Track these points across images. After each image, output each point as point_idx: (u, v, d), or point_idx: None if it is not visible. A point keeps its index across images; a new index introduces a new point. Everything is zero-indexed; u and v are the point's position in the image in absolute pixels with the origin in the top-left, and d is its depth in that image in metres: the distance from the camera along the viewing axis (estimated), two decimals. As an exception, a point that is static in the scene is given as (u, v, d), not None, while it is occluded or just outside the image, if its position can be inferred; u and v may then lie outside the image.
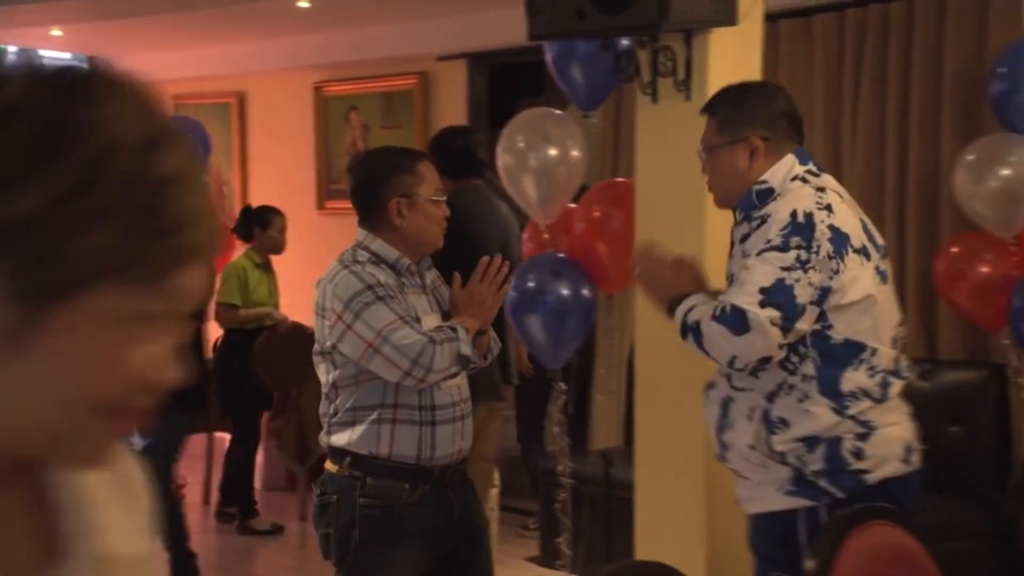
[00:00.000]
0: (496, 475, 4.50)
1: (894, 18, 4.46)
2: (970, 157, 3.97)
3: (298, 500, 5.82)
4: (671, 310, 2.57)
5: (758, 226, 2.49)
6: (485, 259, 2.80)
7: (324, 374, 2.75)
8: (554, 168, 3.77)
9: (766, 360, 2.45)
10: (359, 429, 2.67)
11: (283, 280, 6.73)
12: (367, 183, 2.81)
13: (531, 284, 3.67)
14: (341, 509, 2.69)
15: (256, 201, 7.06)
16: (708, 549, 3.14)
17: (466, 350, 2.65)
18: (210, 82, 7.18)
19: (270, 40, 6.60)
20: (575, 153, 3.80)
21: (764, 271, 2.39)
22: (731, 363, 2.46)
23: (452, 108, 6.14)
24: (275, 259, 6.11)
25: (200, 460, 6.19)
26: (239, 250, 5.80)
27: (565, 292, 3.63)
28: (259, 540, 5.62)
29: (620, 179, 3.85)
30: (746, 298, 2.38)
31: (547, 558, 4.83)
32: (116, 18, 5.98)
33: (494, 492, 4.49)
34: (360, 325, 2.60)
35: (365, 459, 2.66)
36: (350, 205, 7.29)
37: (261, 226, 5.70)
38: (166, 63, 7.21)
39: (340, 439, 2.70)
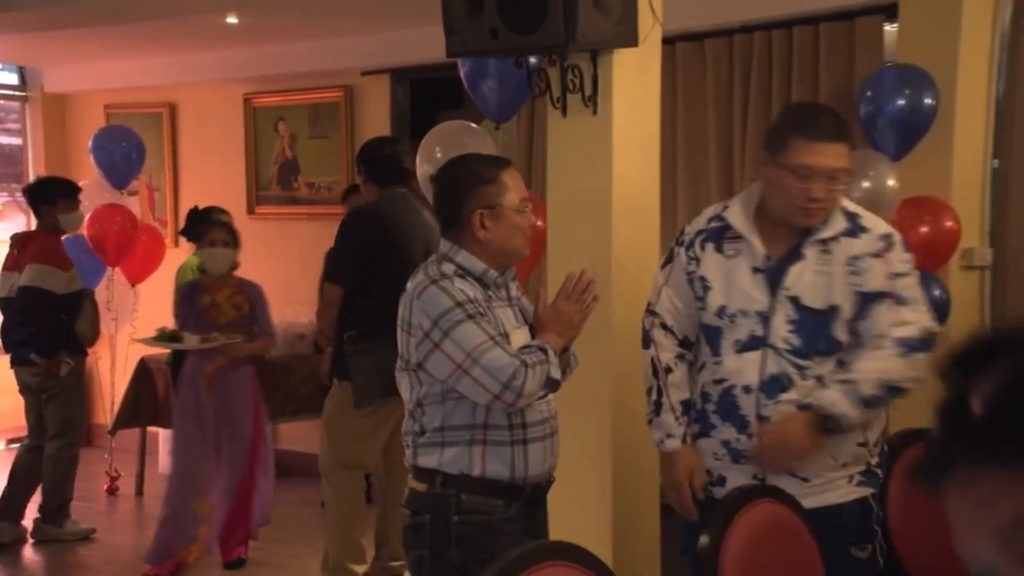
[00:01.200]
0: None
1: (776, 45, 4.58)
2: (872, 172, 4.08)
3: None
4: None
5: (866, 242, 2.45)
6: (572, 274, 2.51)
7: (407, 391, 2.48)
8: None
9: None
10: (449, 451, 2.41)
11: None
12: (449, 194, 2.53)
13: None
14: (435, 528, 2.42)
15: (187, 206, 6.96)
16: (615, 530, 3.18)
17: (556, 373, 2.41)
18: (142, 92, 7.05)
19: (201, 53, 6.50)
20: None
21: (917, 286, 2.50)
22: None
23: (376, 120, 6.13)
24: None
25: (134, 453, 6.08)
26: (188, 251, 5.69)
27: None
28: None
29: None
30: (928, 317, 2.47)
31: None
32: (50, 30, 5.84)
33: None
34: (449, 344, 2.34)
35: (457, 478, 2.41)
36: (279, 210, 7.19)
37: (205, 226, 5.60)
38: (100, 74, 7.08)
39: (429, 460, 2.43)
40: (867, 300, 2.42)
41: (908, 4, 4.09)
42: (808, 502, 2.38)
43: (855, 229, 2.47)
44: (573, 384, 2.70)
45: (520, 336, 2.47)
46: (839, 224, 2.46)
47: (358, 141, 6.23)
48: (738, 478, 2.45)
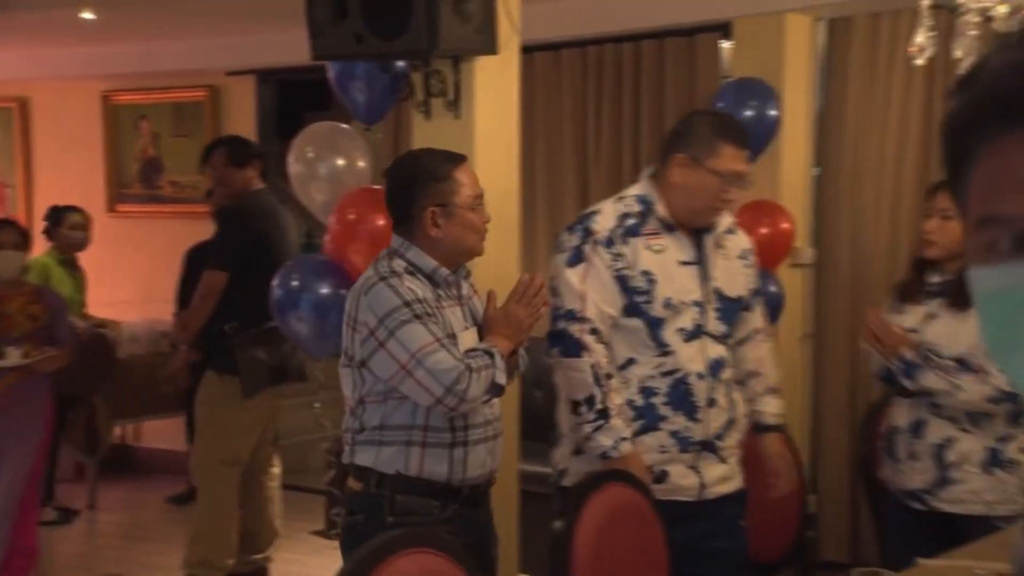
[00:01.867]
0: (276, 459, 4.40)
1: (626, 56, 4.71)
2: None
3: (87, 489, 5.52)
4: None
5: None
6: (524, 278, 2.42)
7: (349, 387, 2.37)
8: (341, 177, 3.75)
9: None
10: (386, 450, 2.30)
11: (74, 279, 6.35)
12: (401, 190, 2.41)
13: (295, 283, 3.63)
14: (368, 529, 2.27)
15: (43, 206, 6.63)
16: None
17: (501, 379, 2.29)
18: (-8, 86, 6.68)
19: (56, 48, 6.18)
20: (361, 163, 3.80)
21: None
22: None
23: (242, 120, 5.98)
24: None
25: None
26: (42, 248, 5.41)
27: (325, 291, 3.61)
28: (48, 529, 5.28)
29: (375, 186, 3.84)
30: None
31: (328, 529, 4.81)
32: None
33: (275, 472, 4.41)
34: (394, 344, 2.23)
35: (392, 477, 2.30)
36: (142, 208, 6.93)
37: (55, 224, 5.35)
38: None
39: (366, 458, 2.32)
40: (755, 294, 2.66)
41: (739, 24, 4.31)
42: (727, 487, 2.56)
43: (732, 228, 2.64)
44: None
45: (468, 337, 2.36)
46: (725, 221, 2.60)
47: (223, 141, 6.11)
48: (680, 470, 2.47)
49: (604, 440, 2.40)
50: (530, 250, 4.88)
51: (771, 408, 2.62)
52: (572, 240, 2.51)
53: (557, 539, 2.12)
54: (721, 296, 2.54)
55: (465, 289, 2.43)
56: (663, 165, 2.53)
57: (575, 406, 2.44)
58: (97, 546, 5.04)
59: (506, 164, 3.34)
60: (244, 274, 4.01)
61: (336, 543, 4.46)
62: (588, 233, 2.49)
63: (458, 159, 2.43)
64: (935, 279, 2.81)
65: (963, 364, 2.66)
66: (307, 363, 4.22)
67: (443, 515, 2.30)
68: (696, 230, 2.53)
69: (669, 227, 2.50)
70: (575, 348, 2.45)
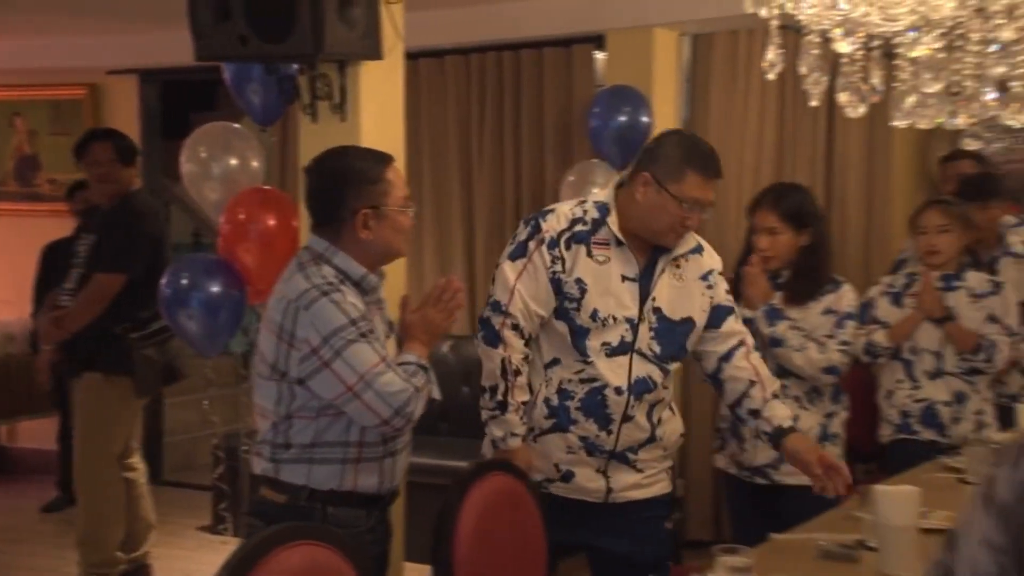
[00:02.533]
0: (139, 455, 4.23)
1: (506, 64, 4.76)
2: (571, 178, 4.32)
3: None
4: None
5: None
6: (441, 282, 2.31)
7: (272, 399, 2.19)
8: (235, 176, 3.69)
9: None
10: (319, 468, 2.18)
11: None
12: (328, 190, 2.23)
13: (184, 282, 3.56)
14: None
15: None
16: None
17: (436, 393, 2.24)
18: None
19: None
20: (255, 164, 3.76)
21: None
22: None
23: (125, 119, 5.75)
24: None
25: None
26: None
27: (216, 289, 3.53)
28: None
29: (267, 187, 3.79)
30: None
31: (215, 524, 4.70)
32: None
33: (142, 468, 4.23)
34: (340, 364, 2.10)
35: (325, 493, 2.19)
36: (17, 206, 6.61)
37: None
38: None
39: (294, 477, 2.18)
40: (720, 312, 2.48)
41: (612, 36, 4.42)
42: (640, 493, 2.45)
43: (699, 247, 2.50)
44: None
45: (389, 345, 2.27)
46: (690, 242, 2.47)
47: (104, 139, 5.87)
48: (586, 473, 2.42)
49: (496, 431, 2.40)
50: (417, 248, 4.87)
51: (780, 412, 2.42)
52: (522, 234, 2.45)
53: (440, 525, 2.12)
54: (661, 317, 2.41)
55: (382, 293, 2.32)
56: (630, 178, 2.42)
57: (483, 390, 2.44)
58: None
59: (391, 166, 3.33)
60: (141, 274, 3.89)
61: (223, 538, 4.40)
62: (536, 230, 2.43)
63: (387, 159, 2.30)
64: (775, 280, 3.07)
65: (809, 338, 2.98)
66: (195, 362, 4.12)
67: (368, 524, 2.25)
68: (654, 247, 2.43)
69: (618, 240, 2.39)
70: (493, 338, 2.41)
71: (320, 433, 2.18)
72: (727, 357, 2.47)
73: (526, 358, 2.42)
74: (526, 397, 2.41)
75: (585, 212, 2.43)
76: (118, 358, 3.86)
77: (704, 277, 2.47)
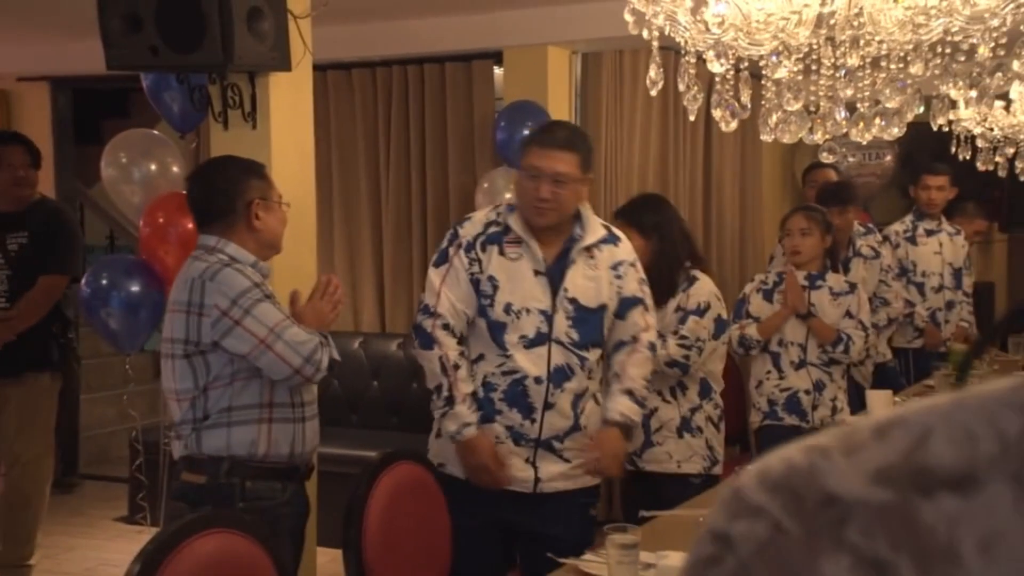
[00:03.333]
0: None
1: (411, 78, 4.71)
2: (485, 184, 4.31)
3: None
4: None
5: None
6: (324, 278, 2.44)
7: (188, 378, 2.23)
8: (155, 181, 3.59)
9: None
10: (237, 430, 2.20)
11: None
12: (221, 187, 2.34)
13: (104, 281, 3.48)
14: None
15: None
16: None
17: (336, 354, 2.33)
18: None
19: None
20: (175, 169, 3.67)
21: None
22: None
23: (37, 124, 5.48)
24: None
25: None
26: None
27: (136, 288, 3.46)
28: None
29: (183, 191, 3.70)
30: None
31: (132, 515, 4.52)
32: None
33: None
34: (251, 321, 2.18)
35: (243, 463, 2.20)
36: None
37: None
38: None
39: (215, 444, 2.20)
40: (626, 303, 2.45)
41: (509, 53, 4.43)
42: (568, 484, 2.41)
43: (612, 238, 2.47)
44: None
45: None
46: (599, 232, 2.44)
47: (19, 144, 5.59)
48: (516, 463, 2.38)
49: (450, 425, 2.37)
50: (327, 249, 4.78)
51: (615, 406, 2.43)
52: (443, 242, 2.48)
53: (350, 511, 2.08)
54: (578, 306, 2.39)
55: (268, 287, 2.36)
56: None
57: (430, 393, 2.43)
58: None
59: (301, 171, 3.26)
60: (77, 276, 3.77)
61: (139, 528, 4.23)
62: (455, 237, 2.45)
63: (261, 165, 2.47)
64: None
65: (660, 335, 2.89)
66: (113, 360, 3.99)
67: (284, 497, 2.26)
68: (567, 241, 2.41)
69: (519, 239, 2.39)
70: (427, 341, 2.41)
71: (235, 396, 2.24)
72: (617, 348, 2.48)
73: (462, 353, 2.41)
74: (470, 388, 2.40)
75: (499, 215, 2.45)
76: (61, 357, 3.78)
77: (614, 267, 2.44)
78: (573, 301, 2.39)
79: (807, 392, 3.43)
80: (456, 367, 2.39)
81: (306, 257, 3.27)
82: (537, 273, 2.38)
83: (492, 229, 2.42)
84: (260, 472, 2.23)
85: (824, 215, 3.53)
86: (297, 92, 3.20)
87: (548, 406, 2.38)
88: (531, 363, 2.36)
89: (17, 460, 3.77)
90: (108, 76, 3.55)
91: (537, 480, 2.41)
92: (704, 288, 2.97)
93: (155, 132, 3.83)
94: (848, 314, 3.44)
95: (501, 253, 2.40)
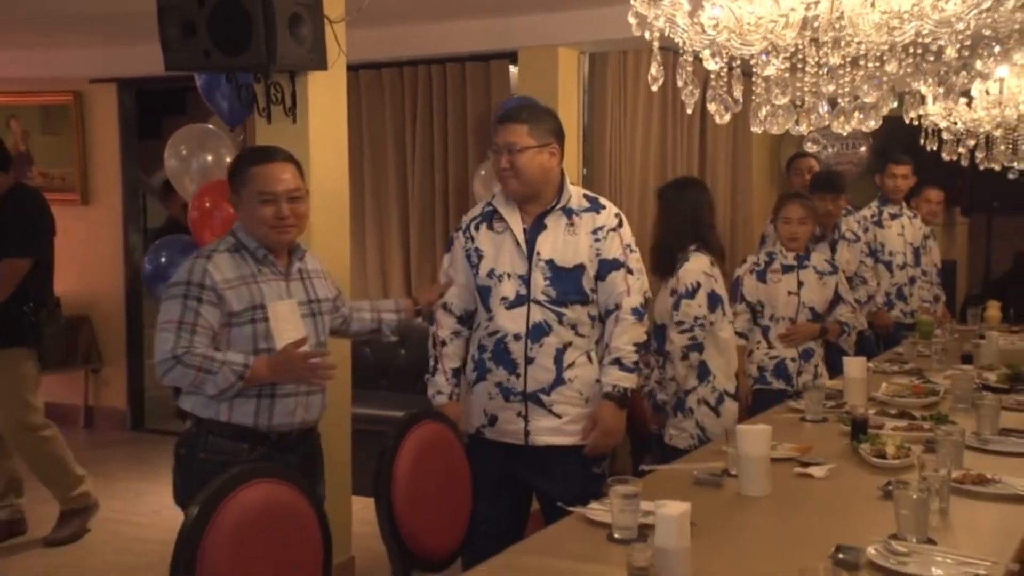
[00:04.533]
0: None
1: (434, 76, 4.66)
2: (482, 172, 4.28)
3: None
4: None
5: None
6: (323, 359, 2.18)
7: None
8: (210, 170, 3.57)
9: None
10: (200, 398, 2.16)
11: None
12: (229, 175, 2.26)
13: (163, 259, 3.53)
14: (187, 461, 2.17)
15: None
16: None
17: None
18: None
19: (-72, 53, 5.50)
20: (228, 159, 3.63)
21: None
22: None
23: (105, 121, 5.51)
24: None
25: None
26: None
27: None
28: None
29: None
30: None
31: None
32: None
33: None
34: (161, 308, 2.14)
35: (206, 421, 2.16)
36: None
37: None
38: None
39: (186, 403, 2.20)
40: (606, 266, 2.39)
41: (523, 54, 4.37)
42: (557, 439, 2.35)
43: (596, 206, 2.42)
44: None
45: (283, 307, 2.18)
46: (578, 199, 2.41)
47: (89, 139, 5.59)
48: (507, 416, 2.37)
49: (429, 390, 2.46)
50: (359, 233, 4.77)
51: (606, 379, 2.38)
52: (453, 231, 2.53)
53: (381, 464, 2.08)
54: (553, 266, 2.36)
55: (296, 267, 2.25)
56: None
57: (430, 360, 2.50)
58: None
59: (336, 161, 3.25)
60: (43, 257, 3.62)
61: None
62: (459, 225, 2.51)
63: (265, 157, 2.21)
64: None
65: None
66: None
67: (250, 456, 2.14)
68: (542, 211, 2.39)
69: (498, 214, 2.41)
70: (431, 318, 2.52)
71: None
72: (607, 314, 2.41)
73: (456, 333, 2.47)
74: (454, 364, 2.46)
75: (493, 198, 2.48)
76: (32, 335, 3.59)
77: (594, 232, 2.40)
78: (549, 262, 2.37)
79: (793, 360, 3.41)
80: (443, 344, 2.45)
81: (340, 240, 3.26)
82: (517, 243, 2.40)
83: (486, 209, 2.47)
84: (224, 431, 2.15)
85: (814, 203, 3.52)
86: (332, 89, 3.17)
87: (529, 360, 2.35)
88: (511, 322, 2.36)
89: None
90: (167, 77, 3.54)
91: (527, 432, 2.38)
92: (693, 268, 2.86)
93: (210, 126, 3.81)
94: (839, 298, 3.46)
95: (490, 228, 2.44)
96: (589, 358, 2.41)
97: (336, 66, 3.09)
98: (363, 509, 3.34)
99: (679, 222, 2.92)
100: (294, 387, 2.19)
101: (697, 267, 2.87)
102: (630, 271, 2.41)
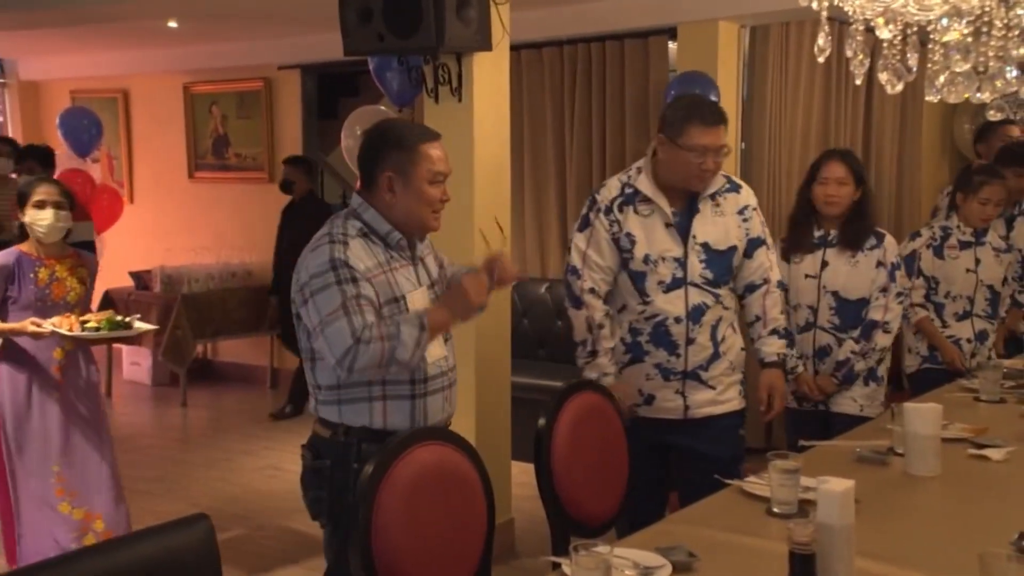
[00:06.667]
0: None
1: (594, 54, 4.59)
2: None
3: (180, 391, 5.52)
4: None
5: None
6: (495, 253, 2.00)
7: (301, 335, 1.93)
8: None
9: None
10: (348, 407, 1.90)
11: (160, 236, 6.31)
12: (366, 152, 1.96)
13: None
14: (336, 473, 1.91)
15: (140, 173, 6.55)
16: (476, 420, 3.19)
17: (403, 355, 1.82)
18: (101, 80, 6.52)
19: (148, 50, 6.06)
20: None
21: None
22: None
23: (290, 104, 5.86)
24: (158, 217, 5.67)
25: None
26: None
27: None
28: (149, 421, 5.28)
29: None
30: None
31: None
32: (25, 28, 5.30)
33: None
34: (311, 306, 1.83)
35: (357, 429, 1.90)
36: (214, 175, 6.85)
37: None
38: (66, 65, 6.53)
39: (330, 415, 1.92)
40: (753, 243, 2.41)
41: (683, 28, 4.22)
42: (716, 409, 2.38)
43: (735, 186, 2.42)
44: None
45: (418, 296, 1.93)
46: (720, 182, 2.38)
47: (277, 122, 5.98)
48: (665, 394, 2.38)
49: (591, 373, 2.39)
50: (519, 205, 4.82)
51: (766, 348, 2.42)
52: (584, 209, 2.44)
53: (541, 431, 2.10)
54: (708, 249, 2.35)
55: (419, 249, 2.01)
56: (656, 143, 2.38)
57: (575, 345, 2.44)
58: (190, 435, 5.04)
59: (499, 137, 3.28)
60: None
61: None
62: (594, 203, 2.42)
63: (429, 136, 1.96)
64: (817, 233, 2.82)
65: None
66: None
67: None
68: (691, 193, 2.36)
69: (646, 198, 2.35)
70: (576, 302, 2.42)
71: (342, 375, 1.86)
72: (751, 289, 2.45)
73: (607, 313, 2.42)
74: (612, 343, 2.43)
75: (630, 178, 2.41)
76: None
77: (740, 211, 2.41)
78: (704, 245, 2.36)
79: (968, 340, 3.13)
80: (600, 326, 2.40)
81: (502, 212, 3.29)
82: (668, 225, 2.35)
83: (627, 191, 2.39)
84: (378, 437, 1.87)
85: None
86: (496, 69, 3.20)
87: (690, 341, 2.36)
88: (671, 305, 2.34)
89: None
90: (343, 61, 3.70)
91: (687, 408, 2.40)
92: (894, 243, 2.84)
93: (382, 107, 3.94)
94: (1012, 276, 3.20)
95: (636, 212, 2.37)
96: (733, 328, 2.44)
97: (500, 47, 3.10)
98: (520, 473, 3.41)
99: (872, 199, 2.90)
100: (439, 383, 1.98)
101: (896, 246, 2.86)
102: (768, 247, 2.46)
